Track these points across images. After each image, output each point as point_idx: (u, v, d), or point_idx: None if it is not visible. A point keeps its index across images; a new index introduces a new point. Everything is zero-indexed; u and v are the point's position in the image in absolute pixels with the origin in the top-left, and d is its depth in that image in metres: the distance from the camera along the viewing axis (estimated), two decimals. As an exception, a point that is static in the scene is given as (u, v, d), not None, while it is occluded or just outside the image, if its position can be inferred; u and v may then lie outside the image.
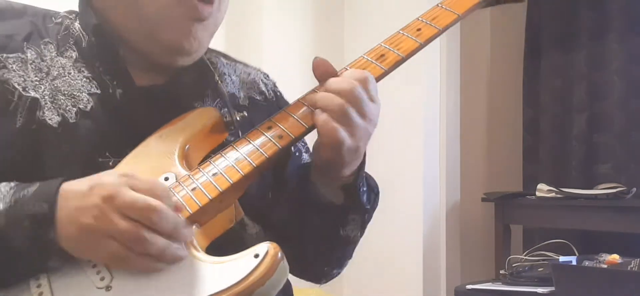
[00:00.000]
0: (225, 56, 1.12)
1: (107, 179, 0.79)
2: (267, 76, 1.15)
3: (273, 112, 1.01)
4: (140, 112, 0.95)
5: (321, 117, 0.87)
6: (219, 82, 1.02)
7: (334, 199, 0.96)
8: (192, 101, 0.99)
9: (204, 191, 0.85)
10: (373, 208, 1.04)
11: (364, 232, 1.04)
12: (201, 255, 0.81)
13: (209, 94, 1.01)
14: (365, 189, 0.98)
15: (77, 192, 0.78)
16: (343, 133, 0.87)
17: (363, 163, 0.95)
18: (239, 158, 0.87)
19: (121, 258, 0.77)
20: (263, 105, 1.08)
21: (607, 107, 2.80)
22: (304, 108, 0.91)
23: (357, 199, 0.96)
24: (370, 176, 1.05)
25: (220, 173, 0.86)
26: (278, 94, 1.14)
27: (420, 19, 0.98)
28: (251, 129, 0.92)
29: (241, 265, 0.76)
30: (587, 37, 2.87)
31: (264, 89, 1.11)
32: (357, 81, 0.89)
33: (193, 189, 0.85)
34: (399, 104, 2.63)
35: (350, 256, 1.07)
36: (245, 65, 1.14)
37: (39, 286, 0.78)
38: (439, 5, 1.01)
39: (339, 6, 2.95)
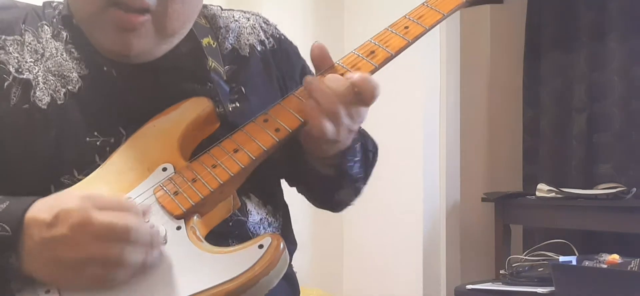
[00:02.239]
0: (222, 9, 1.11)
1: (70, 204, 0.77)
2: (267, 20, 1.14)
3: (272, 63, 1.05)
4: (138, 83, 0.96)
5: (310, 106, 0.88)
6: (213, 67, 1.01)
7: (324, 172, 0.98)
8: (185, 82, 0.98)
9: (205, 182, 0.87)
10: (371, 167, 1.07)
11: (360, 193, 1.06)
12: (205, 245, 0.82)
13: (204, 79, 1.00)
14: (357, 159, 1.00)
15: (41, 222, 0.77)
16: (328, 127, 0.88)
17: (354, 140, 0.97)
18: (237, 150, 0.89)
19: (103, 280, 0.77)
20: (262, 57, 1.07)
21: (607, 107, 2.80)
22: (299, 102, 0.93)
23: (347, 173, 0.99)
24: (367, 135, 1.08)
25: (220, 165, 0.88)
26: (282, 38, 1.13)
27: (407, 17, 1.01)
28: (248, 121, 0.93)
29: (246, 255, 0.79)
30: (587, 37, 2.87)
31: (263, 37, 1.09)
32: (353, 86, 0.89)
33: (193, 180, 0.87)
34: (399, 104, 2.63)
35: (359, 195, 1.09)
36: (244, 12, 1.13)
37: None
38: (425, 4, 1.04)
39: (339, 6, 2.95)
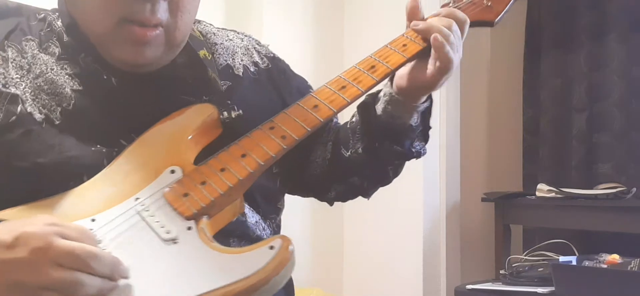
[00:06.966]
0: (215, 27, 1.14)
1: (33, 228, 0.76)
2: (260, 42, 1.17)
3: (266, 82, 1.09)
4: (137, 93, 0.97)
5: (439, 42, 0.99)
6: (213, 77, 1.03)
7: (411, 122, 1.06)
8: (185, 92, 1.00)
9: (215, 186, 0.89)
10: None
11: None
12: (216, 245, 0.85)
13: (203, 89, 1.02)
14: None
15: (1, 243, 0.75)
16: (456, 58, 1.00)
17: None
18: (245, 155, 0.92)
19: None
20: (255, 77, 1.10)
21: (607, 107, 2.80)
22: (305, 111, 0.97)
23: (428, 118, 1.10)
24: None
25: (228, 169, 0.91)
26: (275, 57, 1.16)
27: (405, 35, 1.06)
28: (255, 129, 0.96)
29: (258, 255, 0.82)
30: (587, 37, 2.87)
31: (257, 59, 1.12)
32: (453, 20, 1.03)
33: (203, 183, 0.89)
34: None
35: None
36: (237, 32, 1.15)
37: None
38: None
39: (339, 7, 2.95)
